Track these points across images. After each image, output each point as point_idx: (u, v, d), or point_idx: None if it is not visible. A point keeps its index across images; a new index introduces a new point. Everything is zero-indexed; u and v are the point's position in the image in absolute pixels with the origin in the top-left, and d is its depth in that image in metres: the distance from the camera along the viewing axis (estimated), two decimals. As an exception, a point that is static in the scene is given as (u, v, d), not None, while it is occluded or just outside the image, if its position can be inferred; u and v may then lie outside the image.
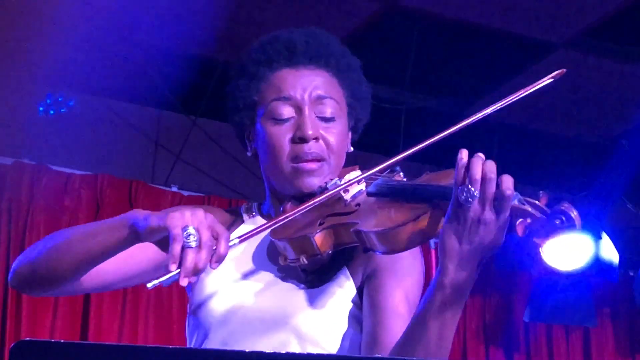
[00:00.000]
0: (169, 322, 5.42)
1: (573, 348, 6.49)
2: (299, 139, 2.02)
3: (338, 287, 1.99)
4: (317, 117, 2.04)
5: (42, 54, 4.83)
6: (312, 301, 1.98)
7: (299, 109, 2.03)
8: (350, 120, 2.11)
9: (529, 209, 1.71)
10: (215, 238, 1.75)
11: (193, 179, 5.68)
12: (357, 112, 2.13)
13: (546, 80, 1.91)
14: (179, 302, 5.40)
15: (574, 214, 1.68)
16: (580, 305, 6.00)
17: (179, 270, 1.72)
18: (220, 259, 1.75)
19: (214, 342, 1.99)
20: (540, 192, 1.72)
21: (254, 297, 2.01)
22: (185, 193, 5.58)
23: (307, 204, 1.89)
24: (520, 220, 1.71)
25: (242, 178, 5.44)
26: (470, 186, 1.70)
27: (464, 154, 1.72)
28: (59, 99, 5.27)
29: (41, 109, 5.29)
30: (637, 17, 4.83)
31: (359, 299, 1.99)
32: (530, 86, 1.89)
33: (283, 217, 1.89)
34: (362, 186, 1.97)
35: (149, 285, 1.74)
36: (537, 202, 1.71)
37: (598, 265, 5.40)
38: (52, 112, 5.29)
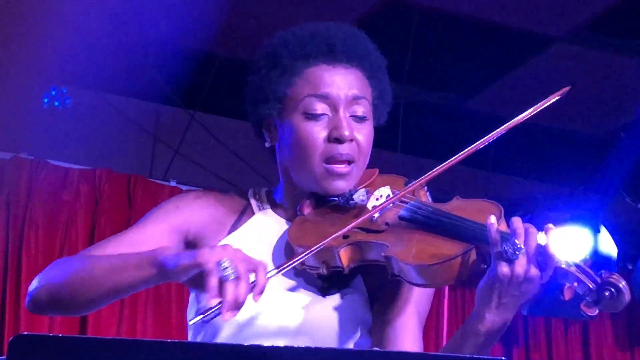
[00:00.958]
0: (167, 317, 5.41)
1: (572, 341, 6.49)
2: (335, 139, 1.99)
3: (351, 295, 1.99)
4: (350, 116, 2.02)
5: (40, 49, 4.82)
6: (326, 309, 1.97)
7: (334, 108, 2.01)
8: (374, 121, 2.10)
9: (580, 275, 1.74)
10: (252, 270, 1.75)
11: (192, 174, 5.67)
12: (380, 112, 2.11)
13: (552, 99, 1.94)
14: (178, 296, 5.40)
15: (622, 284, 1.72)
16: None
17: (219, 305, 1.70)
18: (261, 291, 1.75)
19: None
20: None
21: (267, 301, 1.96)
22: (184, 187, 5.57)
23: (333, 235, 1.87)
24: (568, 285, 1.76)
25: (241, 172, 5.43)
26: (515, 239, 1.74)
27: (492, 219, 1.78)
28: (64, 91, 5.26)
29: (46, 100, 5.28)
30: (636, 10, 4.82)
31: (371, 309, 1.99)
32: (538, 104, 1.95)
33: (315, 246, 1.86)
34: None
35: (191, 322, 1.76)
36: (586, 267, 1.74)
37: (597, 258, 5.40)
38: (57, 103, 5.28)
